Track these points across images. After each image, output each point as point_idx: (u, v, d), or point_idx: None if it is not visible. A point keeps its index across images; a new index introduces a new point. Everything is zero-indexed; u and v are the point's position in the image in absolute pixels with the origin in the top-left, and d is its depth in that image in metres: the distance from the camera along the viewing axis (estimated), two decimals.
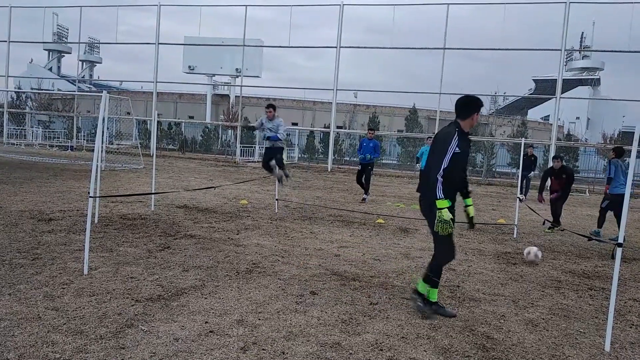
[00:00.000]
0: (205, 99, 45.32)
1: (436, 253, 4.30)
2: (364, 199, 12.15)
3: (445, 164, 3.96)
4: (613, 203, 8.70)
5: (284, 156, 9.98)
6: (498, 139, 30.85)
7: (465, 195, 4.37)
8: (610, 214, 8.97)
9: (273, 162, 9.72)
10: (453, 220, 4.02)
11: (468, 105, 4.17)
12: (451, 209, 4.06)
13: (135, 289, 4.41)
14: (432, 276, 4.24)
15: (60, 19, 52.78)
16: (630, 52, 24.09)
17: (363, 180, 12.23)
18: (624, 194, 8.58)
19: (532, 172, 16.61)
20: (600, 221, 9.20)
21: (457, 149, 4.03)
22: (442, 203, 3.95)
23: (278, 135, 9.50)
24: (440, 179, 3.96)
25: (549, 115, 43.06)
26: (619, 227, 8.96)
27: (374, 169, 12.82)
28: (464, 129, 4.17)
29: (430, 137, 15.18)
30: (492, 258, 6.71)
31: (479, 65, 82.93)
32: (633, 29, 23.86)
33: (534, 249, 6.57)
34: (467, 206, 4.35)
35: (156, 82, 29.58)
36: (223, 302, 4.22)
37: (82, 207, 8.46)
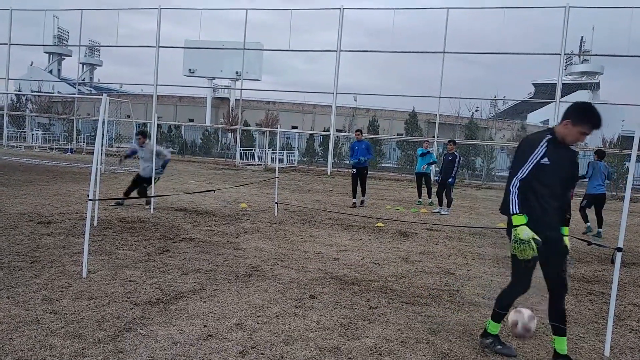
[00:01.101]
0: (205, 102, 45.39)
1: (510, 283, 3.60)
2: (362, 202, 12.04)
3: (522, 173, 3.34)
4: (591, 202, 9.83)
5: (152, 184, 9.45)
6: (498, 143, 30.88)
7: (563, 222, 3.53)
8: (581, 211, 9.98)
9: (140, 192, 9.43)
10: (536, 240, 3.23)
11: (570, 109, 3.41)
12: (540, 231, 3.28)
13: (134, 292, 4.40)
14: (499, 309, 3.59)
15: (60, 21, 52.97)
16: (629, 56, 24.17)
17: (359, 185, 11.78)
18: (600, 193, 9.61)
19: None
20: (584, 218, 10.04)
21: (544, 159, 3.32)
22: (518, 219, 3.27)
23: (166, 158, 9.63)
24: (514, 190, 3.33)
25: (548, 119, 43.07)
26: (599, 225, 9.67)
27: (368, 172, 12.39)
28: (558, 137, 3.41)
29: (428, 141, 15.06)
30: (492, 262, 6.70)
31: (479, 69, 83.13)
32: (632, 33, 23.96)
33: (519, 325, 3.43)
34: (563, 236, 3.51)
35: (156, 85, 29.62)
36: (222, 305, 4.21)
37: (81, 210, 8.45)
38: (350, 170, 12.29)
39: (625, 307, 5.01)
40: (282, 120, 39.27)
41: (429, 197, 13.75)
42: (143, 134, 9.58)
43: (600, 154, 10.05)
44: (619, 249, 3.72)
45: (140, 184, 9.46)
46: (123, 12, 37.44)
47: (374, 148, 12.87)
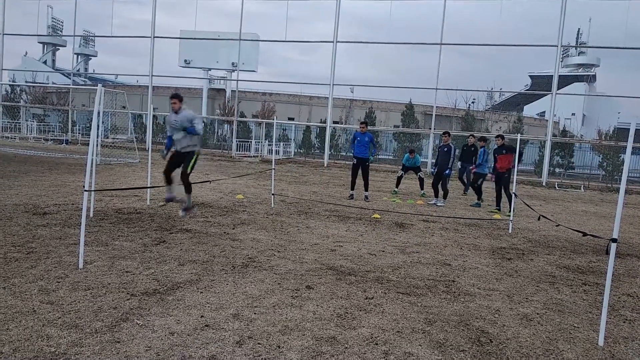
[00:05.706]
0: (201, 93, 45.13)
1: None
2: (366, 197, 11.50)
3: None
4: (477, 178, 11.95)
5: (191, 164, 7.50)
6: (494, 135, 30.88)
7: None
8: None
9: (177, 172, 7.61)
10: None
11: None
12: None
13: (130, 283, 4.40)
14: None
15: (54, 11, 52.45)
16: (625, 48, 24.18)
17: (360, 178, 11.41)
18: (485, 173, 11.85)
19: (472, 166, 13.65)
20: (479, 194, 11.99)
21: None
22: None
23: (195, 127, 7.33)
24: None
25: (544, 112, 43.17)
26: (498, 201, 11.44)
27: (370, 164, 11.88)
28: None
29: (413, 151, 14.75)
30: (488, 253, 6.74)
31: (476, 61, 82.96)
32: (628, 25, 23.98)
33: None
34: None
35: (152, 75, 29.43)
36: (219, 296, 4.23)
37: (77, 201, 8.42)
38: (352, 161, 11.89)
39: (619, 298, 5.06)
40: (278, 112, 39.14)
41: (422, 189, 13.98)
42: (179, 97, 7.50)
43: (485, 140, 12.29)
44: (614, 240, 3.75)
45: (179, 162, 7.50)
46: (118, 2, 37.15)
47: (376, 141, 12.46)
